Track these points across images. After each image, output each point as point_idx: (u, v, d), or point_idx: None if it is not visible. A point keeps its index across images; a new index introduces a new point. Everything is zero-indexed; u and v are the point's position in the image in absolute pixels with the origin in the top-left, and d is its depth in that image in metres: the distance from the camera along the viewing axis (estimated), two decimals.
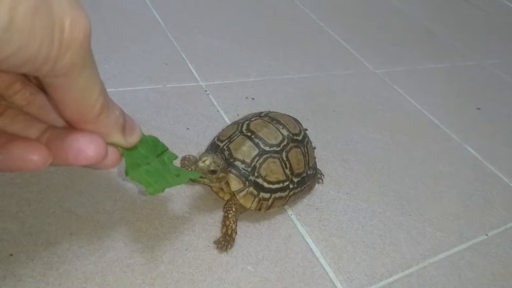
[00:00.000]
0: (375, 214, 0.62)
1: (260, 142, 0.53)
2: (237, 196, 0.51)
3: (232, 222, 0.50)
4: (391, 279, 0.53)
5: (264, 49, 0.98)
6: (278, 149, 0.53)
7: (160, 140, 0.33)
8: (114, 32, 0.87)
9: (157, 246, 0.48)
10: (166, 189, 0.32)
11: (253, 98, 0.79)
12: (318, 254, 0.53)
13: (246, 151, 0.52)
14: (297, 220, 0.57)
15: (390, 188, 0.67)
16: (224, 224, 0.51)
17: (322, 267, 0.52)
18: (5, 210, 0.48)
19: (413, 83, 1.01)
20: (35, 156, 0.24)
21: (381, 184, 0.67)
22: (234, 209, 0.51)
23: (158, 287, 0.44)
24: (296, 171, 0.55)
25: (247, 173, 0.51)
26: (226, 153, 0.53)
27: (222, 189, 0.53)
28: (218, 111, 0.74)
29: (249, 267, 0.49)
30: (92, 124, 0.25)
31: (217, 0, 1.15)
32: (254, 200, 0.52)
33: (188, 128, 0.67)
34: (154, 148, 0.32)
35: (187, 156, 0.59)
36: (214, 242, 0.50)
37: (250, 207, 0.52)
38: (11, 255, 0.43)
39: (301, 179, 0.56)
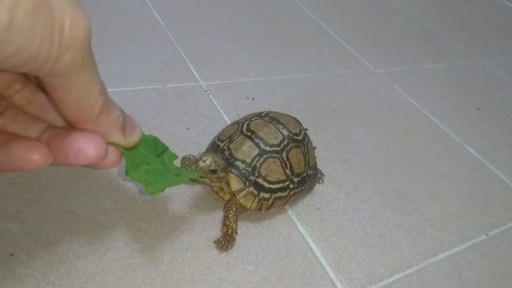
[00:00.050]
0: (375, 214, 0.62)
1: (260, 142, 0.53)
2: (238, 196, 0.51)
3: (232, 222, 0.50)
4: (391, 279, 0.53)
5: (264, 49, 0.98)
6: (279, 149, 0.53)
7: (160, 140, 0.33)
8: (114, 32, 0.87)
9: (157, 245, 0.48)
10: (166, 189, 0.32)
11: (253, 98, 0.79)
12: (318, 254, 0.53)
13: (246, 151, 0.52)
14: (298, 220, 0.57)
15: (390, 188, 0.67)
16: (224, 224, 0.51)
17: (322, 267, 0.52)
18: (6, 210, 0.48)
19: (413, 83, 1.01)
20: (36, 156, 0.24)
21: (381, 184, 0.67)
22: (234, 209, 0.51)
23: (159, 287, 0.44)
24: (296, 171, 0.55)
25: (247, 173, 0.51)
26: (227, 153, 0.53)
27: (222, 189, 0.53)
28: (218, 111, 0.74)
29: (249, 267, 0.49)
30: (92, 123, 0.25)
31: (217, 0, 1.15)
32: (254, 200, 0.52)
33: (188, 128, 0.67)
34: (154, 147, 0.32)
35: (187, 156, 0.59)
36: (215, 242, 0.50)
37: (251, 207, 0.52)
38: (12, 255, 0.43)
39: (302, 179, 0.56)
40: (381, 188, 0.67)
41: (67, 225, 0.48)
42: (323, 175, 0.64)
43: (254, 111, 0.62)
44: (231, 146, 0.53)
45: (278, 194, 0.53)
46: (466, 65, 1.19)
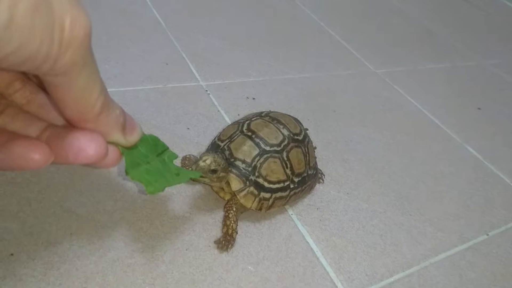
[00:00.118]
0: (375, 214, 0.61)
1: (260, 142, 0.53)
2: (238, 196, 0.51)
3: (232, 221, 0.50)
4: (391, 279, 0.53)
5: (264, 49, 0.98)
6: (279, 148, 0.53)
7: (161, 139, 0.33)
8: (114, 32, 0.87)
9: (157, 245, 0.48)
10: (167, 189, 0.32)
11: (253, 98, 0.79)
12: (318, 254, 0.53)
13: (246, 151, 0.52)
14: (298, 220, 0.57)
15: (390, 188, 0.67)
16: (224, 224, 0.51)
17: (323, 267, 0.52)
18: (6, 209, 0.48)
19: (413, 83, 1.01)
20: (37, 155, 0.24)
21: (382, 184, 0.67)
22: (234, 209, 0.51)
23: (159, 287, 0.44)
24: (296, 171, 0.55)
25: (247, 172, 0.51)
26: (227, 153, 0.53)
27: (222, 188, 0.53)
28: (218, 111, 0.74)
29: (249, 267, 0.49)
30: (92, 123, 0.25)
31: (218, 0, 1.15)
32: (254, 200, 0.52)
33: (188, 128, 0.67)
34: (154, 147, 0.32)
35: (187, 156, 0.59)
36: (215, 242, 0.50)
37: (251, 207, 0.52)
38: (12, 254, 0.43)
39: (302, 179, 0.56)
40: (382, 188, 0.67)
41: (68, 225, 0.48)
42: (324, 175, 0.64)
43: (255, 111, 0.62)
44: (232, 146, 0.53)
45: (279, 194, 0.53)
46: (467, 65, 1.19)
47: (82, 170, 0.54)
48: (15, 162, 0.24)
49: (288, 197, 0.55)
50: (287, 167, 0.54)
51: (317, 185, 0.63)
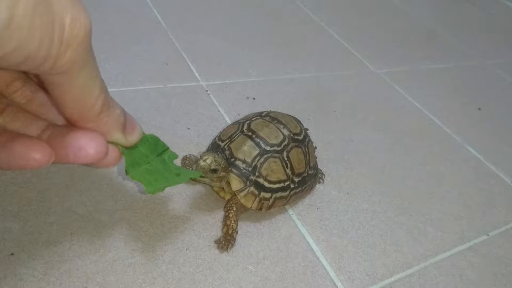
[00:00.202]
0: (376, 214, 0.61)
1: (261, 142, 0.53)
2: (238, 196, 0.51)
3: (233, 221, 0.50)
4: (392, 279, 0.53)
5: (265, 49, 0.98)
6: (279, 148, 0.53)
7: (161, 139, 0.33)
8: (115, 32, 0.87)
9: (158, 245, 0.48)
10: (167, 189, 0.33)
11: (254, 98, 0.79)
12: (319, 253, 0.53)
13: (247, 151, 0.52)
14: (298, 220, 0.57)
15: (391, 188, 0.67)
16: (225, 224, 0.51)
17: (323, 266, 0.52)
18: (6, 209, 0.48)
19: (414, 83, 1.01)
20: (38, 155, 0.24)
21: (382, 184, 0.67)
22: (235, 209, 0.51)
23: (159, 287, 0.44)
24: (297, 171, 0.55)
25: (248, 172, 0.51)
26: (227, 152, 0.53)
27: (223, 188, 0.53)
28: (219, 111, 0.74)
29: (250, 267, 0.49)
30: (92, 122, 0.25)
31: (218, 0, 1.15)
32: (255, 199, 0.52)
33: (189, 128, 0.67)
34: (155, 147, 0.32)
35: (188, 156, 0.59)
36: (215, 242, 0.50)
37: (251, 207, 0.52)
38: (13, 254, 0.43)
39: (302, 178, 0.56)
40: (382, 188, 0.66)
41: (68, 225, 0.48)
42: (324, 175, 0.64)
43: (255, 111, 0.62)
44: (232, 146, 0.53)
45: (279, 194, 0.53)
46: (467, 65, 1.19)
47: (82, 170, 0.54)
48: (16, 161, 0.24)
49: (288, 197, 0.55)
50: (287, 167, 0.54)
51: (317, 185, 0.63)
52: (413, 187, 0.68)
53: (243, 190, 0.51)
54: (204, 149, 0.62)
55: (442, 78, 1.08)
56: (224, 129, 0.58)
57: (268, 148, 0.53)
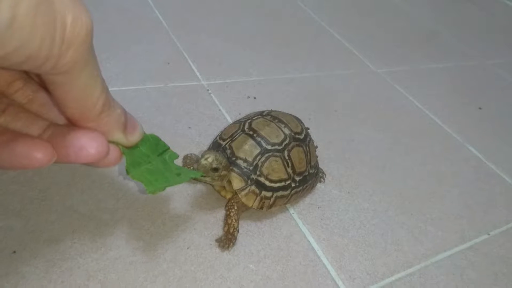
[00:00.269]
0: (376, 213, 0.61)
1: (262, 141, 0.53)
2: (239, 195, 0.51)
3: (234, 220, 0.50)
4: (392, 278, 0.53)
5: (265, 48, 0.98)
6: (280, 147, 0.53)
7: (162, 139, 0.33)
8: (116, 32, 0.87)
9: (159, 244, 0.49)
10: (168, 188, 0.33)
11: (255, 97, 0.79)
12: (319, 252, 0.53)
13: (248, 150, 0.52)
14: (299, 219, 0.57)
15: (391, 187, 0.67)
16: (226, 223, 0.51)
17: (324, 265, 0.52)
18: (8, 207, 0.48)
19: (414, 83, 1.01)
20: (40, 154, 0.24)
21: (383, 184, 0.67)
22: (236, 208, 0.51)
23: (160, 285, 0.45)
24: (298, 170, 0.55)
25: (249, 171, 0.51)
26: (228, 151, 0.53)
27: (224, 187, 0.54)
28: (220, 110, 0.74)
29: (251, 266, 0.49)
30: (93, 122, 0.25)
31: (219, 0, 1.15)
32: (256, 198, 0.52)
33: (190, 127, 0.67)
34: (155, 147, 0.32)
35: (189, 155, 0.59)
36: (216, 241, 0.51)
37: (252, 206, 0.52)
38: (14, 252, 0.44)
39: (303, 178, 0.56)
40: (383, 187, 0.67)
41: (70, 223, 0.48)
42: (325, 174, 0.64)
43: (256, 110, 0.62)
44: (233, 145, 0.53)
45: (280, 193, 0.53)
46: (468, 65, 1.19)
47: (84, 169, 0.54)
48: (18, 161, 0.24)
49: (289, 196, 0.55)
50: (288, 166, 0.54)
51: (318, 184, 0.63)
52: (413, 187, 0.68)
53: (244, 189, 0.51)
54: (205, 148, 0.63)
55: (442, 77, 1.08)
56: (225, 128, 0.58)
57: (269, 147, 0.53)
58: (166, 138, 0.34)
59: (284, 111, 0.60)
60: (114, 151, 0.28)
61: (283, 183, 0.53)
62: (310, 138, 0.59)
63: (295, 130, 0.56)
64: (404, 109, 0.90)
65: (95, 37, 0.22)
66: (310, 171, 0.58)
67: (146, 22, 0.95)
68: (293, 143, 0.55)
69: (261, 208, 0.53)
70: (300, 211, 0.58)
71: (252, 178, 0.51)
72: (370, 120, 0.83)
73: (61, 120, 0.28)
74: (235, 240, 0.50)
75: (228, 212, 0.51)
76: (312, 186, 0.60)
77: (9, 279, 0.41)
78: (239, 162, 0.52)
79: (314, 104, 0.83)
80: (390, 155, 0.75)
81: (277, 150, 0.53)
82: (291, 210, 0.58)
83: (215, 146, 0.55)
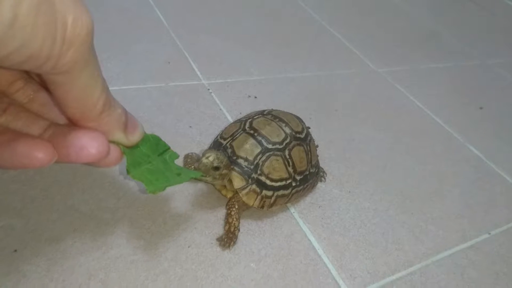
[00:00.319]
0: (377, 212, 0.62)
1: (263, 140, 0.53)
2: (240, 194, 0.51)
3: (235, 219, 0.51)
4: (393, 277, 0.53)
5: (266, 48, 0.98)
6: (281, 147, 0.53)
7: (163, 138, 0.33)
8: (117, 31, 0.87)
9: (160, 243, 0.49)
10: (168, 187, 0.33)
11: (255, 97, 0.79)
12: (320, 251, 0.53)
13: (249, 149, 0.52)
14: (300, 218, 0.57)
15: (392, 187, 0.67)
16: (227, 222, 0.51)
17: (325, 264, 0.52)
18: (10, 206, 0.48)
19: (415, 82, 1.01)
20: (41, 154, 0.24)
21: (384, 183, 0.67)
22: (237, 207, 0.51)
23: (162, 284, 0.45)
24: (298, 169, 0.55)
25: (250, 170, 0.52)
26: (229, 151, 0.53)
27: (225, 186, 0.54)
28: (220, 109, 0.74)
29: (251, 264, 0.49)
30: (94, 122, 0.25)
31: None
32: (256, 197, 0.52)
33: (190, 127, 0.68)
34: (156, 146, 0.33)
35: (190, 154, 0.59)
36: (217, 239, 0.51)
37: (253, 205, 0.52)
38: (16, 251, 0.44)
39: (304, 177, 0.56)
40: (384, 186, 0.67)
41: (71, 222, 0.48)
42: (326, 174, 0.64)
43: (257, 110, 0.62)
44: (234, 144, 0.53)
45: (281, 192, 0.54)
46: (469, 64, 1.19)
47: (85, 168, 0.55)
48: (19, 160, 0.24)
49: (290, 195, 0.55)
50: (289, 165, 0.54)
51: (319, 184, 0.63)
52: (414, 186, 0.68)
53: (245, 188, 0.51)
54: (206, 147, 0.63)
55: (443, 77, 1.08)
56: (226, 128, 0.58)
57: (270, 146, 0.53)
58: (167, 137, 0.34)
59: (285, 111, 0.60)
60: (114, 151, 0.28)
61: (284, 182, 0.54)
62: (311, 137, 0.59)
63: (296, 129, 0.56)
64: (404, 108, 0.90)
65: (95, 37, 0.22)
66: (311, 170, 0.58)
67: (146, 21, 0.95)
68: (294, 142, 0.55)
69: (262, 207, 0.53)
70: (301, 210, 0.58)
71: (253, 177, 0.52)
72: (371, 119, 0.83)
73: (61, 119, 0.28)
74: (236, 239, 0.51)
75: (229, 211, 0.51)
76: (313, 185, 0.60)
77: (11, 278, 0.41)
78: (240, 161, 0.52)
79: (315, 104, 0.83)
80: (390, 154, 0.75)
81: (278, 149, 0.53)
82: (292, 209, 0.58)
83: (216, 145, 0.55)
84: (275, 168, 0.53)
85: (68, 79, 0.22)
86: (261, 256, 0.51)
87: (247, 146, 0.52)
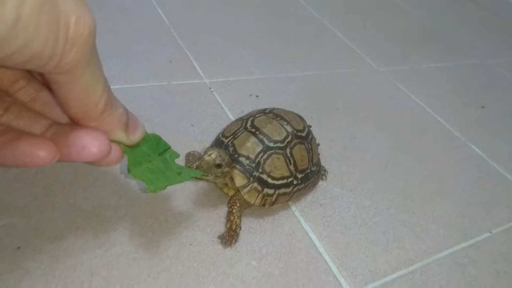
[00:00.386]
0: (378, 211, 0.62)
1: (264, 138, 0.53)
2: (242, 192, 0.51)
3: (236, 217, 0.51)
4: (394, 275, 0.53)
5: (268, 47, 0.98)
6: (282, 145, 0.54)
7: (164, 137, 0.34)
8: (119, 30, 0.88)
9: (162, 240, 0.49)
10: (169, 186, 0.33)
11: (257, 96, 0.79)
12: (321, 250, 0.54)
13: (250, 147, 0.52)
14: (301, 216, 0.57)
15: (393, 185, 0.67)
16: (228, 219, 0.51)
17: (326, 263, 0.52)
18: (12, 204, 0.48)
19: (417, 81, 1.01)
20: (43, 153, 0.24)
21: (385, 182, 0.67)
22: (238, 205, 0.51)
23: (163, 281, 0.45)
24: (300, 167, 0.55)
25: (251, 169, 0.52)
26: (231, 149, 0.53)
27: (226, 184, 0.54)
28: (222, 108, 0.74)
29: (253, 262, 0.50)
30: (95, 121, 0.25)
31: None
32: (258, 195, 0.52)
33: (192, 125, 0.68)
34: (156, 146, 0.33)
35: (191, 152, 0.59)
36: (219, 237, 0.51)
37: (254, 203, 0.52)
38: (19, 248, 0.44)
39: (305, 175, 0.56)
40: (385, 185, 0.67)
41: (73, 220, 0.48)
42: (327, 172, 0.65)
43: (258, 108, 0.63)
44: (235, 142, 0.53)
45: (282, 190, 0.54)
46: (471, 63, 1.18)
47: (86, 166, 0.55)
48: (21, 159, 0.24)
49: (291, 194, 0.55)
50: (290, 164, 0.54)
51: (320, 182, 0.63)
52: (415, 185, 0.69)
53: (247, 186, 0.51)
54: (207, 145, 0.63)
55: (444, 76, 1.07)
56: (227, 126, 0.58)
57: (271, 144, 0.53)
58: (169, 136, 0.34)
59: (287, 109, 0.60)
60: (115, 150, 0.28)
61: (285, 181, 0.54)
62: (312, 136, 0.60)
63: (297, 127, 0.56)
64: (406, 107, 0.90)
65: (97, 36, 0.22)
66: (312, 169, 0.58)
67: (148, 20, 0.95)
68: (295, 141, 0.55)
69: (263, 205, 0.53)
70: (302, 208, 0.59)
71: (255, 175, 0.52)
72: (372, 118, 0.83)
73: (63, 119, 0.28)
74: (237, 237, 0.51)
75: (231, 209, 0.51)
76: (314, 184, 0.60)
77: (14, 275, 0.42)
78: (242, 159, 0.52)
79: (316, 102, 0.83)
80: (392, 153, 0.75)
81: (279, 148, 0.53)
82: (293, 208, 0.58)
83: (218, 143, 0.56)
84: (276, 167, 0.53)
85: (70, 79, 0.22)
86: (263, 254, 0.51)
87: (248, 144, 0.52)
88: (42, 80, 0.28)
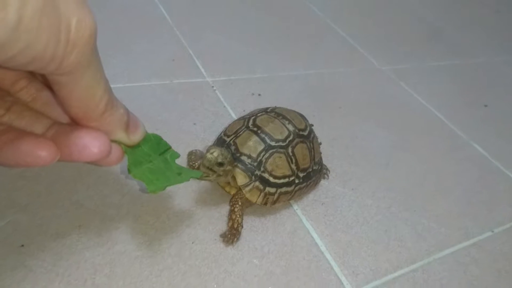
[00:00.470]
0: (380, 209, 0.62)
1: (266, 137, 0.53)
2: (243, 191, 0.52)
3: (238, 216, 0.51)
4: (396, 274, 0.53)
5: (270, 45, 0.98)
6: (284, 144, 0.54)
7: (167, 135, 0.34)
8: (121, 29, 0.88)
9: (164, 239, 0.49)
10: (169, 187, 0.33)
11: (259, 94, 0.80)
12: (323, 248, 0.54)
13: (252, 146, 0.53)
14: (303, 215, 0.58)
15: (395, 184, 0.67)
16: (230, 218, 0.51)
17: (327, 261, 0.52)
18: (16, 202, 0.49)
19: (419, 80, 1.01)
20: (44, 152, 0.24)
21: (387, 181, 0.67)
22: (240, 203, 0.52)
23: (165, 279, 0.45)
24: (301, 166, 0.55)
25: (253, 167, 0.52)
26: (233, 148, 0.53)
27: (228, 183, 0.54)
28: (224, 106, 0.74)
29: (254, 261, 0.50)
30: (96, 121, 0.25)
31: None
32: (260, 194, 0.52)
33: (195, 124, 0.68)
34: (157, 146, 0.33)
35: (193, 151, 0.59)
36: (221, 236, 0.51)
37: (256, 202, 0.52)
38: (22, 245, 0.45)
39: (307, 174, 0.56)
40: (386, 184, 0.67)
41: (76, 218, 0.49)
42: (329, 171, 0.65)
43: (260, 107, 0.63)
44: (237, 141, 0.53)
45: (284, 189, 0.54)
46: (473, 62, 1.18)
47: (89, 165, 0.55)
48: (22, 159, 0.24)
49: (293, 192, 0.55)
50: (292, 162, 0.54)
51: (322, 181, 0.63)
52: (417, 184, 0.69)
53: (249, 185, 0.52)
54: (210, 144, 0.63)
55: (447, 75, 1.07)
56: (229, 125, 0.58)
57: (273, 143, 0.53)
58: (171, 134, 0.34)
59: (288, 108, 0.61)
60: (116, 150, 0.28)
61: (287, 179, 0.54)
62: (314, 135, 0.60)
63: (299, 126, 0.56)
64: (408, 106, 0.90)
65: (100, 35, 0.22)
66: (314, 168, 0.58)
67: (150, 19, 0.95)
68: (297, 140, 0.55)
69: (265, 204, 0.53)
70: (304, 207, 0.59)
71: (256, 174, 0.52)
72: (374, 117, 0.83)
73: (64, 118, 0.28)
74: (239, 235, 0.51)
75: (233, 208, 0.52)
76: (316, 183, 0.61)
77: (17, 272, 0.42)
78: (244, 158, 0.52)
79: (318, 101, 0.83)
80: (393, 152, 0.75)
81: (281, 147, 0.53)
82: (295, 206, 0.59)
83: (220, 142, 0.56)
84: (278, 165, 0.53)
85: (71, 80, 0.22)
86: (264, 253, 0.51)
87: (250, 143, 0.53)
88: (43, 80, 0.28)
